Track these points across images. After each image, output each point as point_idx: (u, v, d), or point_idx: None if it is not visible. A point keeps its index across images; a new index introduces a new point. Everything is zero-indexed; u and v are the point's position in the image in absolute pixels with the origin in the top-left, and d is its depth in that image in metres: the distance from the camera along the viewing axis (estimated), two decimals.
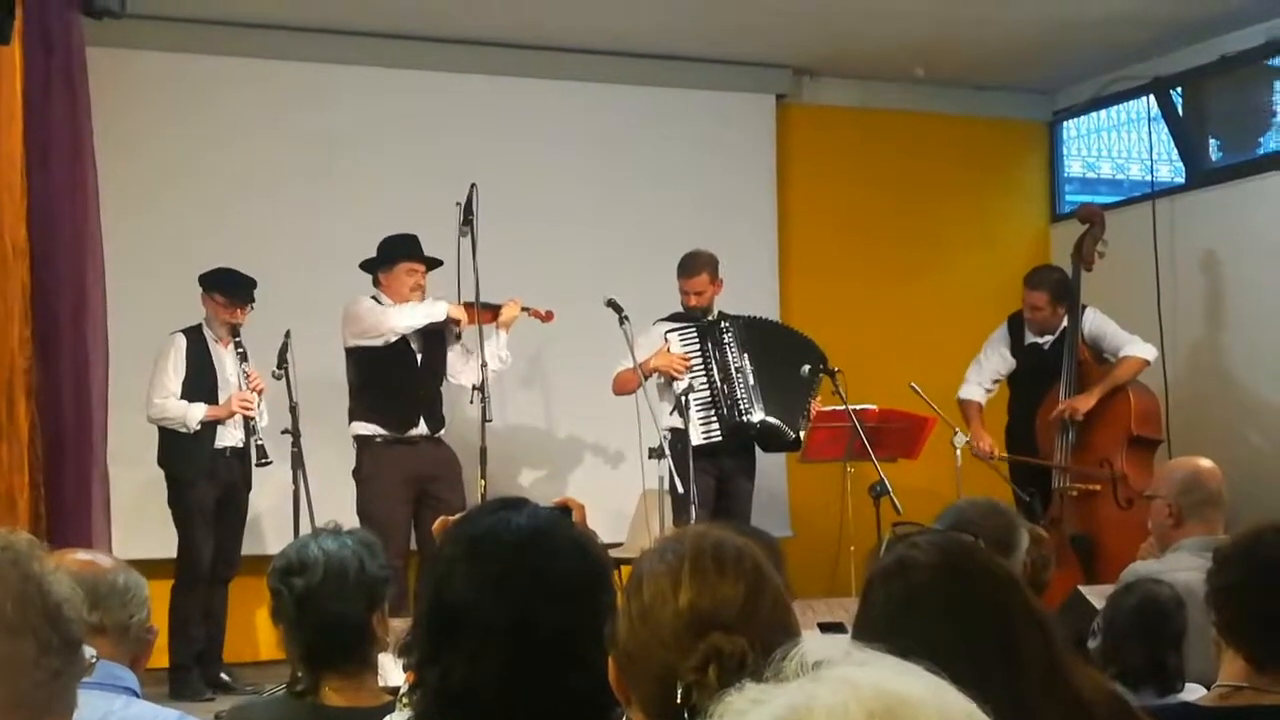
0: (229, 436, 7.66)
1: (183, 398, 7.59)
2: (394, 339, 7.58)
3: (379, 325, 7.56)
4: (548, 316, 7.90)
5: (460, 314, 7.64)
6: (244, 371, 7.65)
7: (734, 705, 1.15)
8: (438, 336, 7.75)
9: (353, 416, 7.72)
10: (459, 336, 7.81)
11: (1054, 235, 10.42)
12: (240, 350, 7.70)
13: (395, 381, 7.61)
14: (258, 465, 7.66)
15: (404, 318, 7.60)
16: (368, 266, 7.79)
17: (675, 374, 7.71)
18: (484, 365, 7.46)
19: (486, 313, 7.65)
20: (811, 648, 1.21)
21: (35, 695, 1.75)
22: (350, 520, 3.47)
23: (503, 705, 2.08)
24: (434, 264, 7.74)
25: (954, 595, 2.04)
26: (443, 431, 7.82)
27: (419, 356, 7.73)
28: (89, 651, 1.86)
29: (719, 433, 7.74)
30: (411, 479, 7.60)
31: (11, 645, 1.72)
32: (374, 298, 7.74)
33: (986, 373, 8.50)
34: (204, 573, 7.60)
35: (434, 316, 7.64)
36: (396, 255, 7.72)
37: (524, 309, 7.81)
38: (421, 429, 7.68)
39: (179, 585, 7.54)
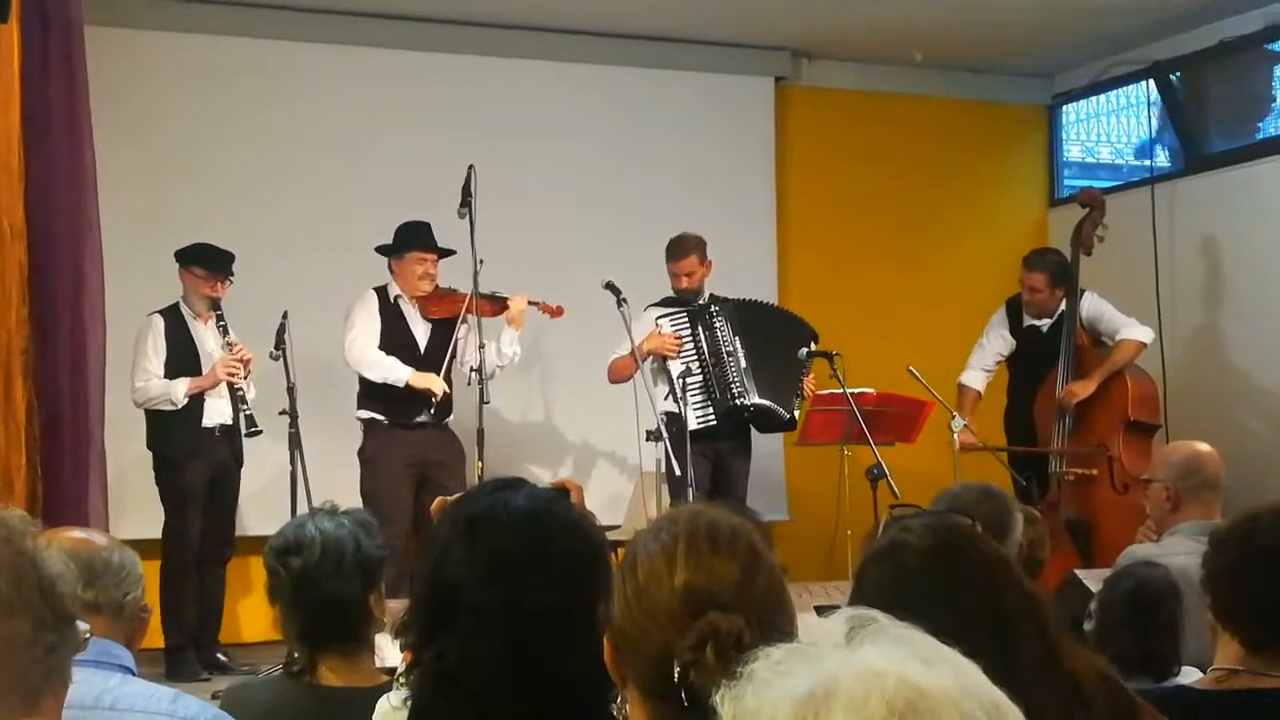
0: (217, 414, 7.62)
1: (165, 377, 7.57)
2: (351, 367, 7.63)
3: (349, 350, 7.61)
4: (558, 311, 7.84)
5: (424, 384, 7.57)
6: (227, 344, 7.62)
7: (759, 673, 1.15)
8: (446, 326, 7.73)
9: (359, 403, 7.73)
10: (465, 322, 7.75)
11: (1052, 219, 10.43)
12: (222, 324, 7.66)
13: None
14: (247, 435, 7.62)
15: (368, 365, 7.60)
16: (384, 251, 7.79)
17: (669, 354, 7.71)
18: (481, 347, 7.45)
19: (493, 304, 7.64)
20: (851, 616, 1.21)
21: (32, 671, 1.75)
22: (347, 501, 3.47)
23: (499, 685, 2.08)
24: (445, 253, 7.72)
25: (947, 578, 2.05)
26: (450, 418, 7.81)
27: (423, 348, 7.73)
28: (82, 627, 1.86)
29: (713, 416, 7.75)
30: (415, 462, 7.60)
31: (7, 623, 1.72)
32: (382, 288, 7.73)
33: (989, 355, 8.51)
34: (193, 553, 7.59)
35: (396, 380, 7.58)
36: (406, 243, 7.71)
37: (532, 303, 7.79)
38: (425, 418, 7.69)
39: (168, 566, 7.48)
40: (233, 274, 7.70)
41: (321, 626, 3.12)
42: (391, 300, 7.73)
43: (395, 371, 7.59)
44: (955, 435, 7.70)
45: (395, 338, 7.69)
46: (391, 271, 7.77)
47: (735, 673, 1.17)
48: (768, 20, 9.24)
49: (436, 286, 7.74)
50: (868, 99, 10.16)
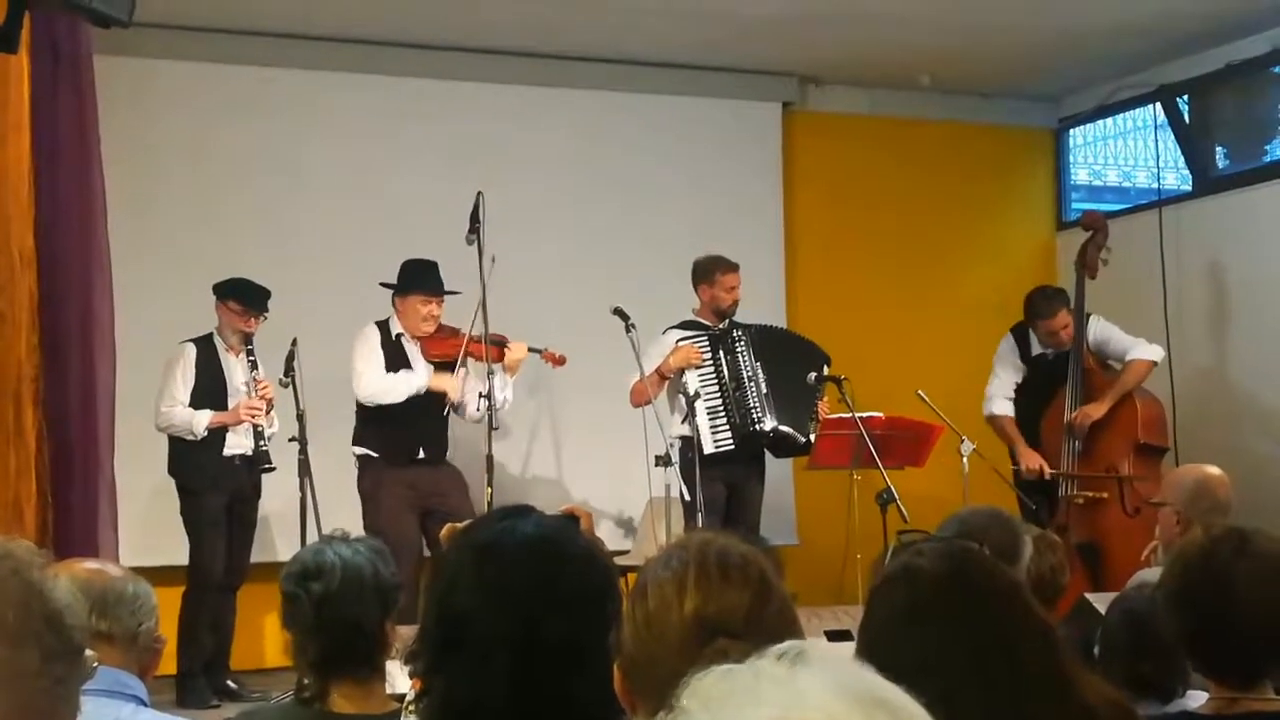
0: (238, 445, 7.66)
1: (191, 405, 7.60)
2: (369, 404, 7.60)
3: (364, 392, 7.61)
4: (560, 361, 7.86)
5: (442, 385, 7.61)
6: (254, 379, 7.65)
7: (693, 712, 1.12)
8: (446, 367, 7.71)
9: (355, 438, 7.73)
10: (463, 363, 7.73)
11: (1060, 243, 10.42)
12: (252, 359, 7.69)
13: (398, 414, 7.60)
14: (261, 470, 7.66)
15: (386, 393, 7.57)
16: (389, 287, 7.78)
17: (696, 364, 7.70)
18: (491, 373, 7.45)
19: (493, 348, 7.59)
20: (791, 645, 1.19)
21: (39, 703, 1.75)
22: (356, 527, 3.46)
23: (509, 713, 2.08)
24: (450, 293, 7.69)
25: (959, 603, 2.04)
26: (449, 455, 7.82)
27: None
28: (89, 655, 1.85)
29: (731, 441, 7.74)
30: (415, 494, 7.60)
31: (15, 654, 1.72)
32: (384, 323, 7.72)
33: (1008, 383, 8.44)
34: (214, 581, 7.60)
35: (415, 390, 7.59)
36: (410, 286, 7.70)
37: (534, 350, 7.77)
38: (421, 457, 7.68)
39: (189, 593, 7.55)
40: (267, 310, 7.71)
41: (340, 652, 3.10)
42: (393, 338, 7.72)
43: (412, 382, 7.60)
44: (964, 459, 7.69)
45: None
46: (395, 307, 7.77)
47: (671, 706, 1.15)
48: (775, 46, 9.26)
49: (440, 326, 7.75)
50: (875, 123, 10.18)
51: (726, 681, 1.14)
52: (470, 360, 7.61)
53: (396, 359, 7.70)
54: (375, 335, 7.71)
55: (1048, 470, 8.14)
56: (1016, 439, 8.28)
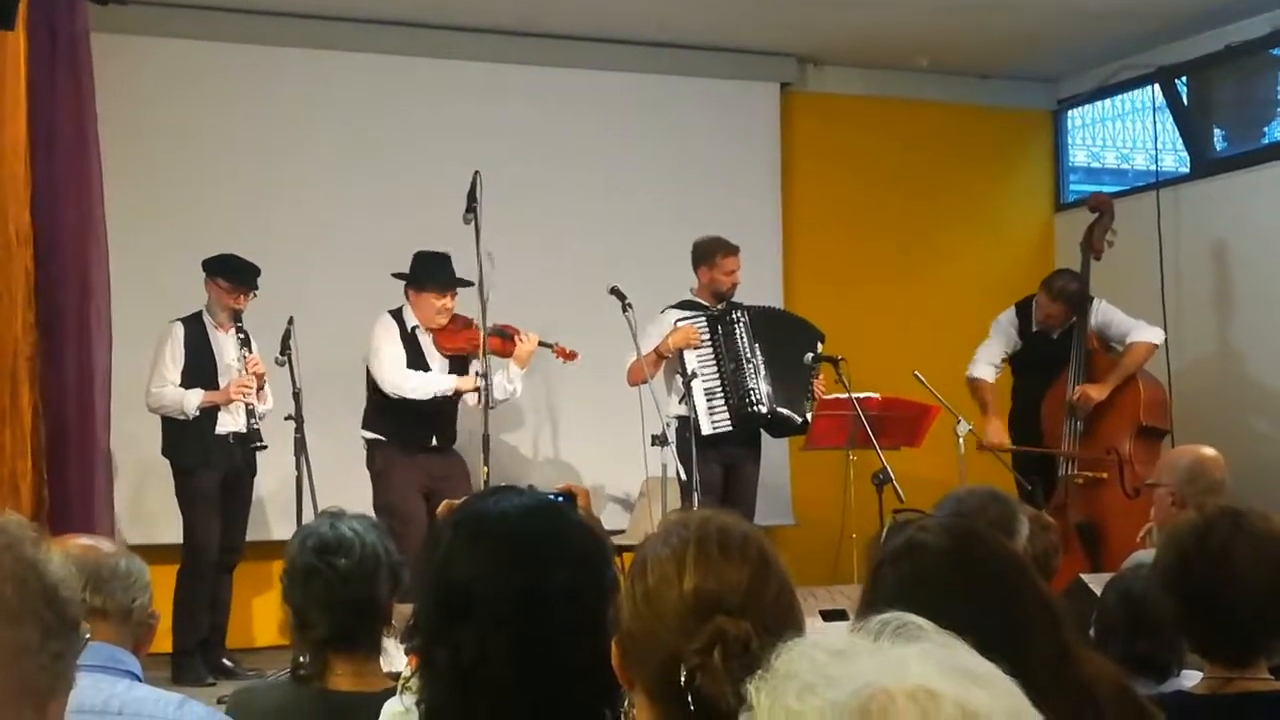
0: (231, 423, 7.62)
1: (182, 385, 7.57)
2: (390, 394, 7.61)
3: (388, 379, 7.61)
4: (571, 356, 7.84)
5: (468, 385, 7.61)
6: (243, 356, 7.63)
7: (802, 673, 1.13)
8: (461, 360, 7.73)
9: (366, 422, 7.73)
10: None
11: (1058, 224, 10.42)
12: (242, 335, 7.66)
13: (415, 402, 7.61)
14: (252, 448, 7.64)
15: (413, 390, 7.59)
16: (401, 277, 7.76)
17: (695, 345, 7.70)
18: (485, 355, 7.43)
19: (505, 342, 7.59)
20: (895, 618, 1.19)
21: (39, 679, 1.73)
22: (353, 507, 3.43)
23: (516, 676, 2.07)
24: (463, 284, 7.67)
25: (963, 578, 2.04)
26: (455, 443, 7.84)
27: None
28: (82, 627, 1.84)
29: (728, 422, 7.74)
30: (422, 477, 7.61)
31: (14, 632, 1.70)
32: (397, 312, 7.72)
33: (997, 352, 8.50)
34: (210, 559, 7.59)
35: (444, 391, 7.63)
36: (423, 281, 7.68)
37: (545, 344, 7.76)
38: (433, 445, 7.70)
39: (185, 571, 7.53)
40: (257, 287, 7.69)
41: (351, 629, 3.09)
42: (409, 330, 7.72)
43: (440, 384, 7.62)
44: (960, 439, 7.68)
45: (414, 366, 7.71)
46: (408, 298, 7.75)
47: (769, 664, 1.16)
48: (774, 27, 9.24)
49: (454, 316, 7.74)
50: (873, 105, 10.16)
51: (828, 652, 1.16)
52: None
53: (413, 353, 7.71)
54: (394, 327, 7.71)
55: (1008, 444, 8.16)
56: (988, 406, 8.30)
